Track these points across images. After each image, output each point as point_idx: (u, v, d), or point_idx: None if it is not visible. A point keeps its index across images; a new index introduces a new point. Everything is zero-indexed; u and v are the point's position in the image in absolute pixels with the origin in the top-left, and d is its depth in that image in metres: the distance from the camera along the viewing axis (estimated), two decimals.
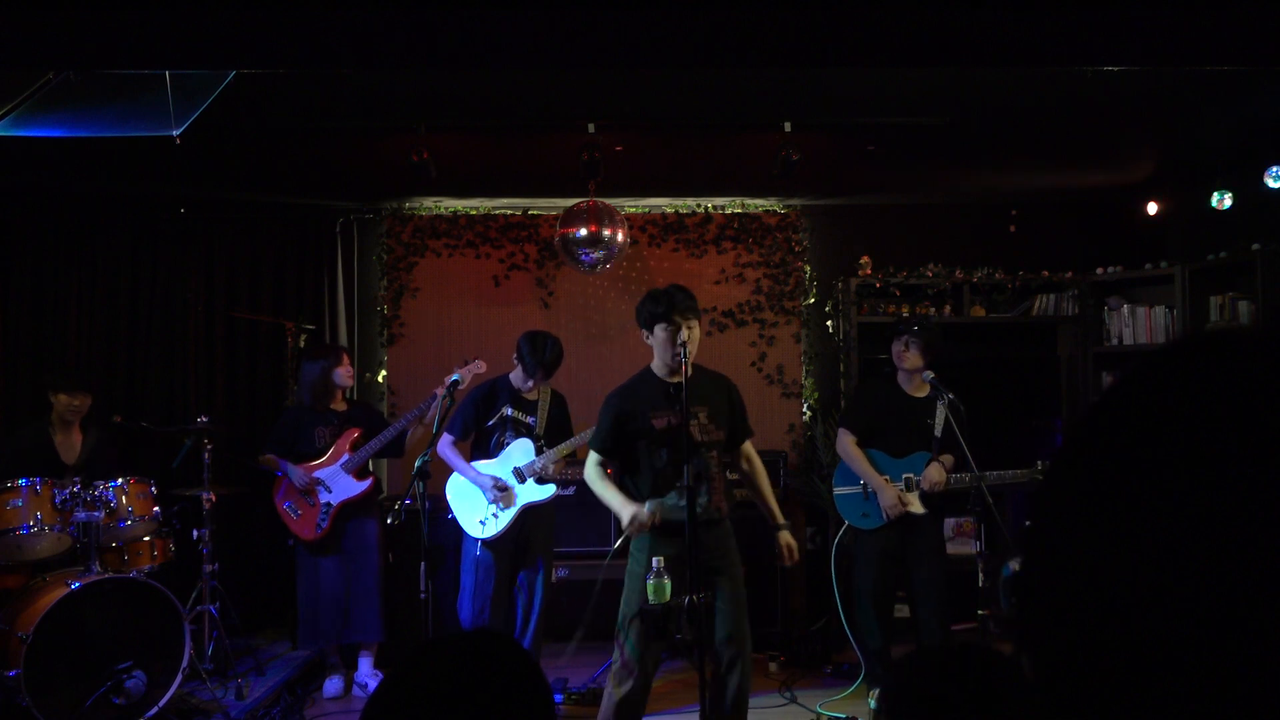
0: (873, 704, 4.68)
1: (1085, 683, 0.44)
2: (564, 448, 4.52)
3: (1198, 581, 0.41)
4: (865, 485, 4.61)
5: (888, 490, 4.53)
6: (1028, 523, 0.52)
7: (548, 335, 4.62)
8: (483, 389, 4.64)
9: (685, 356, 3.45)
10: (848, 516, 4.68)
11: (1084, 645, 0.44)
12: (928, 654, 1.35)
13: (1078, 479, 0.48)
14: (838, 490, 4.72)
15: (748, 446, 3.83)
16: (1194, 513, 0.42)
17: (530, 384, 4.61)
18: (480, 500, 4.53)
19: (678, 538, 3.46)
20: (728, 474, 3.72)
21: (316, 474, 4.94)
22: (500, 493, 4.47)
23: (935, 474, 4.53)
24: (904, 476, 4.59)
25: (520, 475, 4.52)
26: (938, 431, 4.57)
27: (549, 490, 4.55)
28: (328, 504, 4.92)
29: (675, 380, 3.52)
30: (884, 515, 4.53)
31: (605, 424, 3.62)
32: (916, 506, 4.54)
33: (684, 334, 3.48)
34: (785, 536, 3.73)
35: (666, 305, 3.51)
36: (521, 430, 4.58)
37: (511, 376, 4.68)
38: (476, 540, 4.49)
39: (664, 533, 3.50)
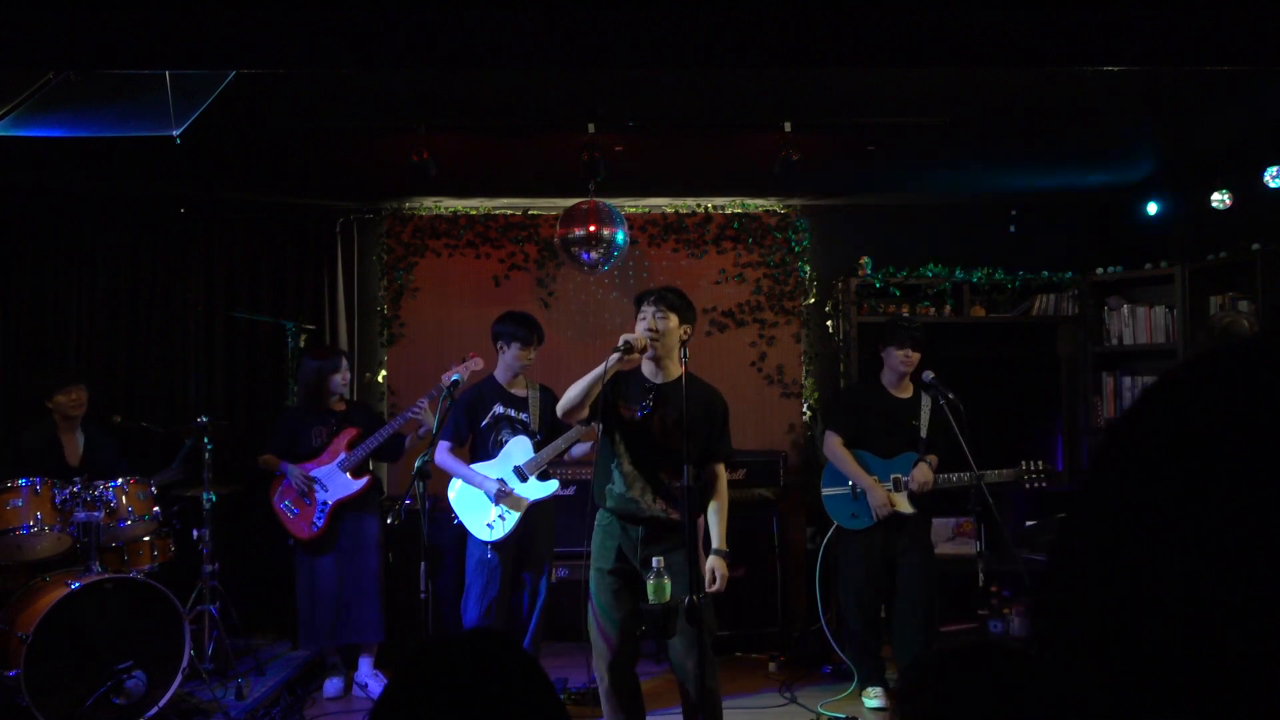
0: (869, 703, 4.68)
1: (1110, 684, 0.44)
2: (562, 441, 4.52)
3: (1231, 590, 0.41)
4: (853, 486, 4.62)
5: (877, 490, 4.54)
6: (1061, 515, 0.52)
7: (518, 311, 4.75)
8: (470, 393, 4.66)
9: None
10: (836, 517, 4.70)
11: (1109, 647, 0.45)
12: (947, 652, 1.34)
13: (1113, 482, 0.48)
14: (826, 492, 4.74)
15: (719, 469, 3.68)
16: (1229, 521, 0.42)
17: (524, 368, 4.62)
18: (485, 503, 4.52)
19: (623, 530, 3.58)
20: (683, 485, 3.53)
21: (312, 473, 4.94)
22: (504, 496, 4.47)
23: (923, 474, 4.54)
24: (892, 477, 4.61)
25: (521, 474, 4.52)
26: (924, 432, 4.61)
27: (551, 486, 4.56)
28: (324, 503, 4.92)
29: (658, 382, 3.60)
30: (873, 515, 4.54)
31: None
32: (904, 506, 4.56)
33: (650, 319, 3.56)
34: (714, 560, 3.55)
35: (641, 297, 3.66)
36: (517, 428, 4.59)
37: (496, 375, 4.68)
38: (483, 544, 4.48)
39: (610, 519, 3.61)
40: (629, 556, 3.57)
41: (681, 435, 3.48)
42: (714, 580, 3.53)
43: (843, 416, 4.77)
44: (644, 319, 3.59)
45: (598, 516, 3.71)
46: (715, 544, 3.58)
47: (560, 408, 3.60)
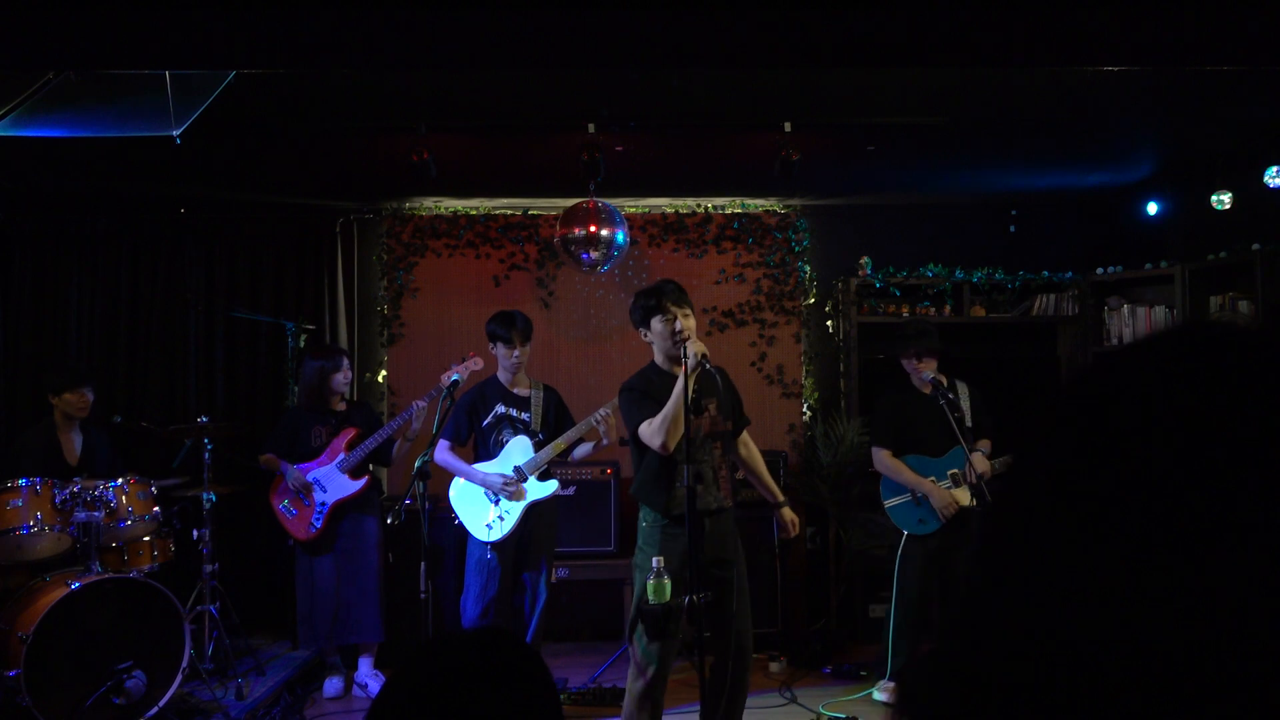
0: (877, 695, 4.72)
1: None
2: (561, 441, 4.52)
3: (1172, 588, 0.40)
4: (913, 492, 4.64)
5: (937, 493, 4.59)
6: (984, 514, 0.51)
7: (506, 310, 4.70)
8: (472, 393, 4.66)
9: (687, 354, 3.42)
10: (906, 526, 4.70)
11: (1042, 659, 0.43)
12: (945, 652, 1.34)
13: (1042, 475, 0.47)
14: (889, 504, 4.75)
15: (745, 434, 3.93)
16: (1171, 516, 0.41)
17: (516, 366, 4.59)
18: (485, 503, 4.52)
19: (700, 529, 3.48)
20: (732, 467, 3.76)
21: (312, 474, 4.94)
22: (511, 489, 4.46)
23: (980, 463, 4.57)
24: (949, 474, 4.64)
25: (521, 474, 4.52)
26: (969, 421, 4.65)
27: (551, 486, 4.55)
28: (322, 504, 4.92)
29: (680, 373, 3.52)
30: (939, 517, 4.56)
31: (640, 400, 3.58)
32: (966, 498, 4.59)
33: (680, 322, 3.54)
34: (788, 513, 3.96)
35: (658, 297, 3.59)
36: (518, 428, 4.59)
37: (498, 376, 4.68)
38: (483, 544, 4.48)
39: (676, 524, 3.51)
40: (708, 552, 3.51)
41: (723, 418, 3.57)
42: (795, 528, 3.98)
43: (885, 429, 4.81)
44: (672, 320, 3.54)
45: (651, 520, 3.58)
46: (781, 498, 3.99)
47: (659, 441, 3.45)
